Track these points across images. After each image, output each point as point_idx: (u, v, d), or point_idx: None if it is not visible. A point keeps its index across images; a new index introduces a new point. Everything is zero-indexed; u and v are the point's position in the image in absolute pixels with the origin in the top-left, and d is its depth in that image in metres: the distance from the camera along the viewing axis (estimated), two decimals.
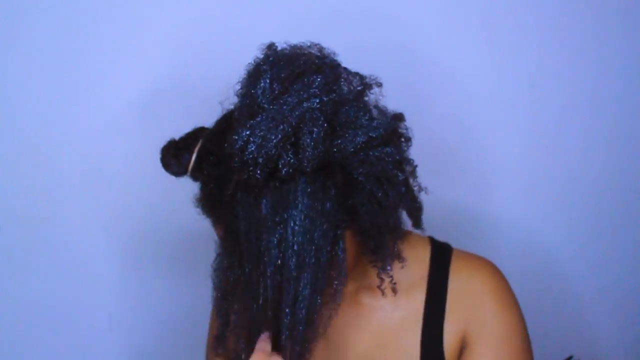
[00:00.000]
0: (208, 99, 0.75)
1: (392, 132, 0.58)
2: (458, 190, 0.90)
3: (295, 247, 0.53)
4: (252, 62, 0.56)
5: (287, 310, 0.54)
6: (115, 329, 0.93)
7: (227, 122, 0.58)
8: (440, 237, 0.67)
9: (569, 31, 0.88)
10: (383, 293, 0.63)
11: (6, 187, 0.84)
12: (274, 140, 0.52)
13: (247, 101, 0.55)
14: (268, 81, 0.54)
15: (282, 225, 0.53)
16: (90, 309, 0.91)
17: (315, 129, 0.53)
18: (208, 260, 0.85)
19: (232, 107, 0.59)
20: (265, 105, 0.53)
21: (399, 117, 0.59)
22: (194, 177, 0.60)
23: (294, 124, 0.53)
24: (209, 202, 0.60)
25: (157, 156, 0.85)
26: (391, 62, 0.84)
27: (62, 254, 0.88)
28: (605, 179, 0.94)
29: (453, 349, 0.64)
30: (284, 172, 0.52)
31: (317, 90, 0.54)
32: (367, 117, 0.56)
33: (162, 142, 0.85)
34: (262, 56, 0.57)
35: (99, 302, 0.91)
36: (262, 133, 0.52)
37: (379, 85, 0.58)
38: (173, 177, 0.87)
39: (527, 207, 0.95)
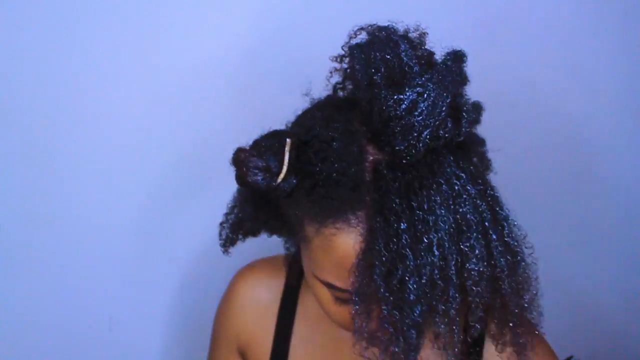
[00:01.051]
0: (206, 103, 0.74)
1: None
2: None
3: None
4: (371, 38, 0.51)
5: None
6: (115, 329, 0.92)
7: (332, 108, 0.51)
8: None
9: (570, 31, 0.88)
10: None
11: (6, 187, 0.84)
12: (444, 103, 0.47)
13: (385, 65, 0.48)
14: (407, 44, 0.49)
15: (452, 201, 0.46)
16: (90, 309, 0.91)
17: (469, 101, 0.50)
18: (208, 261, 0.86)
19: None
20: (414, 64, 0.48)
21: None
22: (285, 185, 0.49)
23: (455, 87, 0.48)
24: (321, 198, 0.48)
25: (157, 156, 0.87)
26: None
27: (62, 254, 0.88)
28: (606, 178, 0.94)
29: None
30: (441, 142, 0.47)
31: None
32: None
33: (161, 142, 0.87)
34: (374, 34, 0.51)
35: (99, 302, 0.91)
36: (433, 93, 0.46)
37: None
38: (173, 178, 0.88)
39: (527, 207, 0.95)
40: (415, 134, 0.46)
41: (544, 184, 0.94)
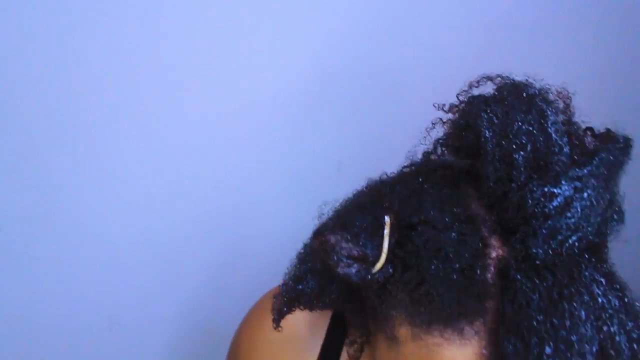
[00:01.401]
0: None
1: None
2: None
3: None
4: (493, 94, 0.42)
5: None
6: (115, 329, 0.92)
7: (442, 177, 0.42)
8: None
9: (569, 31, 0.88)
10: None
11: (6, 187, 0.84)
12: (605, 201, 0.39)
13: (530, 143, 0.38)
14: (556, 120, 0.40)
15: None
16: (90, 309, 0.91)
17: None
18: (208, 261, 0.86)
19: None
20: (563, 145, 0.39)
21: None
22: (383, 270, 0.39)
23: (616, 187, 0.40)
24: (430, 293, 0.38)
25: (159, 156, 0.87)
26: (402, 61, 0.84)
27: (62, 254, 0.88)
28: None
29: None
30: (584, 243, 0.39)
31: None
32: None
33: (162, 142, 0.87)
34: (499, 89, 0.42)
35: (99, 302, 0.91)
36: (593, 192, 0.38)
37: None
38: (173, 178, 0.88)
39: None
40: (561, 238, 0.38)
41: None
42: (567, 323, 0.36)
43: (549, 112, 0.40)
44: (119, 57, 0.83)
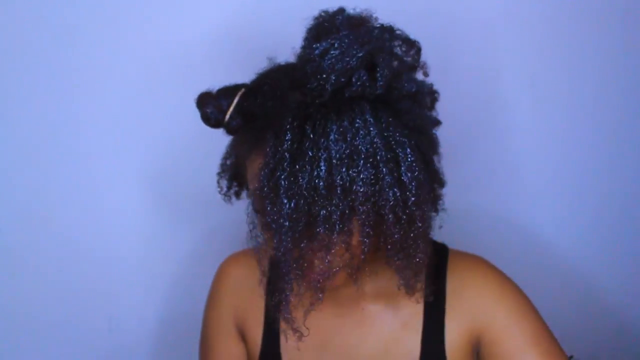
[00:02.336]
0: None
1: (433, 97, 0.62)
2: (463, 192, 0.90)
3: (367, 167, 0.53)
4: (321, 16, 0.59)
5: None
6: (115, 330, 0.92)
7: (277, 69, 0.59)
8: (444, 238, 0.68)
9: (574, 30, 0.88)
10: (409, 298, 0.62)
11: (6, 187, 0.84)
12: (356, 55, 0.54)
13: (320, 22, 0.58)
14: (345, 15, 0.58)
15: (348, 148, 0.53)
16: (90, 309, 0.91)
17: (390, 58, 0.56)
18: (208, 262, 0.86)
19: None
20: (343, 29, 0.56)
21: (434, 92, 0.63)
22: (232, 120, 0.57)
23: (373, 48, 0.55)
24: (252, 136, 0.57)
25: (157, 156, 0.87)
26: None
27: (62, 254, 0.88)
28: (606, 178, 0.94)
29: (457, 347, 0.64)
30: (354, 88, 0.54)
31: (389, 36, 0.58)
32: (417, 78, 0.59)
33: (161, 142, 0.87)
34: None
35: (99, 302, 0.91)
36: (345, 45, 0.54)
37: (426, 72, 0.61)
38: (173, 178, 0.88)
39: (530, 206, 0.95)
40: (324, 75, 0.54)
41: (545, 183, 0.94)
42: (319, 130, 0.53)
43: (339, 15, 0.58)
44: (118, 57, 0.83)
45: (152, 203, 0.89)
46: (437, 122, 0.63)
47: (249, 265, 0.73)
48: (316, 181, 0.52)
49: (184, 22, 0.83)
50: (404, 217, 0.55)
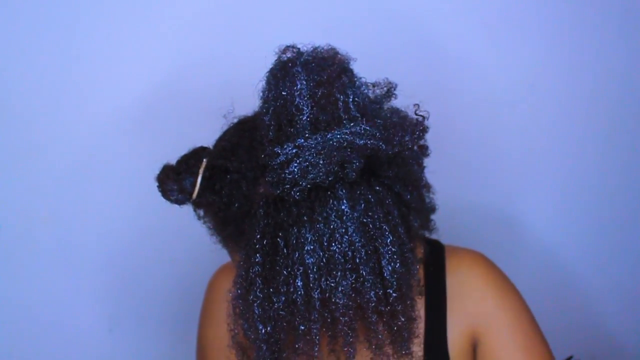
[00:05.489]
0: (208, 106, 0.75)
1: (417, 136, 0.56)
2: (467, 191, 0.90)
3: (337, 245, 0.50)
4: (276, 64, 0.52)
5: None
6: (115, 330, 0.92)
7: (241, 133, 0.55)
8: (447, 236, 0.68)
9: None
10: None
11: (6, 187, 0.84)
12: (322, 168, 0.49)
13: (280, 103, 0.50)
14: (304, 82, 0.49)
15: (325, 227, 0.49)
16: (90, 309, 0.91)
17: (358, 154, 0.50)
18: (208, 261, 0.85)
19: (235, 120, 0.57)
20: (305, 108, 0.49)
21: (422, 128, 0.57)
22: (199, 201, 0.54)
23: (343, 148, 0.49)
24: (226, 221, 0.54)
25: (157, 155, 0.86)
26: (403, 61, 0.84)
27: (62, 254, 0.88)
28: (606, 178, 0.94)
29: (459, 347, 0.63)
30: (325, 185, 0.50)
31: (358, 101, 0.51)
32: (400, 133, 0.54)
33: (162, 142, 0.86)
34: (285, 58, 0.52)
35: (99, 302, 0.91)
36: (310, 158, 0.48)
37: (394, 94, 0.56)
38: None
39: (529, 207, 0.95)
40: (288, 186, 0.49)
41: (544, 183, 0.94)
42: (293, 242, 0.49)
43: (297, 80, 0.49)
44: (118, 57, 0.83)
45: (153, 203, 0.89)
46: (426, 152, 0.59)
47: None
48: (293, 297, 0.49)
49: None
50: (386, 313, 0.52)
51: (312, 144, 0.49)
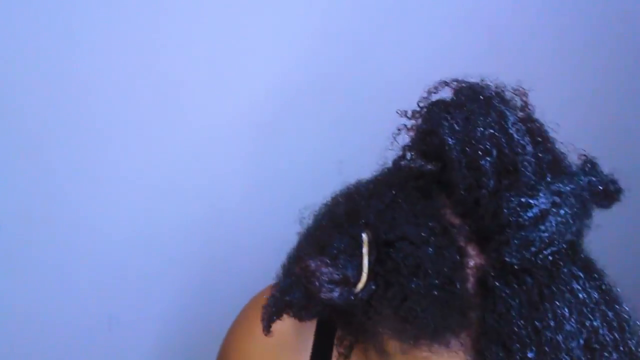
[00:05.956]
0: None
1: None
2: None
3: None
4: (460, 97, 0.42)
5: None
6: (115, 329, 0.92)
7: (396, 188, 0.42)
8: None
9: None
10: None
11: (6, 187, 0.84)
12: (574, 227, 0.39)
13: (492, 142, 0.39)
14: (514, 116, 0.40)
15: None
16: (90, 308, 0.91)
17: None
18: (208, 261, 0.86)
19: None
20: (527, 146, 0.39)
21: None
22: (363, 295, 0.39)
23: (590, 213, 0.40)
24: (420, 308, 0.38)
25: (157, 156, 0.87)
26: (402, 61, 0.84)
27: (62, 253, 0.88)
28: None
29: None
30: (557, 255, 0.39)
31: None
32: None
33: (162, 141, 0.87)
34: (456, 89, 0.43)
35: (99, 302, 0.91)
36: (569, 211, 0.38)
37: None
38: (173, 177, 0.88)
39: None
40: (534, 250, 0.37)
41: None
42: (552, 323, 0.37)
43: (508, 113, 0.40)
44: (117, 57, 0.83)
45: (153, 203, 0.89)
46: None
47: (291, 321, 0.50)
48: None
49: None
50: None
51: (568, 189, 0.38)
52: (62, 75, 0.82)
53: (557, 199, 0.38)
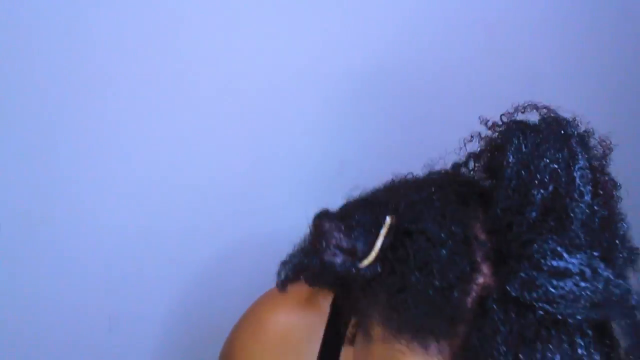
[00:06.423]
0: None
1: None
2: None
3: None
4: (533, 123, 0.42)
5: None
6: (115, 330, 0.92)
7: (456, 192, 0.41)
8: None
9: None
10: None
11: (6, 187, 0.84)
12: (583, 313, 0.37)
13: (552, 177, 0.38)
14: (587, 162, 0.39)
15: None
16: (90, 309, 0.91)
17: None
18: (208, 261, 0.86)
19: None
20: (586, 195, 0.38)
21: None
22: (366, 272, 0.39)
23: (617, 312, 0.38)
24: (413, 301, 0.38)
25: (157, 155, 0.87)
26: (403, 62, 0.84)
27: (62, 254, 0.88)
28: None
29: None
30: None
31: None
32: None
33: (162, 141, 0.86)
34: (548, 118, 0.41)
35: (98, 302, 0.91)
36: (589, 294, 0.36)
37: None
38: (173, 177, 0.88)
39: None
40: (536, 296, 0.36)
41: None
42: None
43: (580, 156, 0.39)
44: (117, 57, 0.83)
45: (153, 203, 0.89)
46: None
47: (300, 317, 0.54)
48: None
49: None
50: None
51: (607, 276, 0.36)
52: (62, 75, 0.82)
53: (588, 273, 0.36)
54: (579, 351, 0.36)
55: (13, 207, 0.85)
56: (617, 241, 0.39)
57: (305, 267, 0.47)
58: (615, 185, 0.44)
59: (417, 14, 0.85)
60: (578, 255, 0.36)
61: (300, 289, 0.53)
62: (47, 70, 0.82)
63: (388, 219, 0.39)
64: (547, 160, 0.38)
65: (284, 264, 0.49)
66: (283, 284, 0.49)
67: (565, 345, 0.36)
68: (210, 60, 0.84)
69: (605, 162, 0.43)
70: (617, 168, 0.95)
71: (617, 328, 0.40)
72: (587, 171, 0.39)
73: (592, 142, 0.42)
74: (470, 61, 0.87)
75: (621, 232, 0.40)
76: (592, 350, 0.37)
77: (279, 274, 0.49)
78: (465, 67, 0.87)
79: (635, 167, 0.94)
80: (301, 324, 0.53)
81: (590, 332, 0.37)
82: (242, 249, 0.76)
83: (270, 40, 0.86)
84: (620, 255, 0.39)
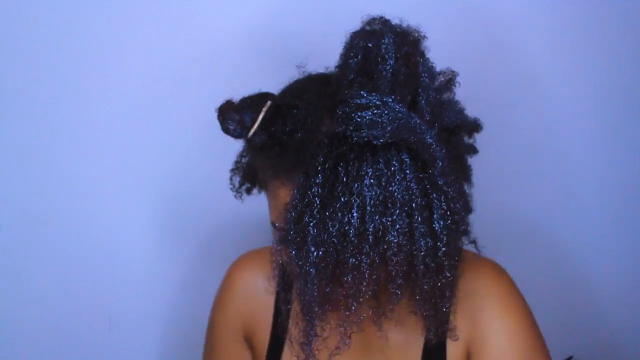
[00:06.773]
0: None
1: (473, 127, 0.61)
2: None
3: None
4: (362, 29, 0.56)
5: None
6: (115, 330, 0.92)
7: (310, 81, 0.57)
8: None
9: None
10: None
11: (6, 187, 0.84)
12: (385, 134, 0.50)
13: (365, 52, 0.53)
14: (391, 38, 0.53)
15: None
16: (90, 309, 0.91)
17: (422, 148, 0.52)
18: (208, 261, 0.86)
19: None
20: (389, 60, 0.52)
21: (476, 125, 0.61)
22: (254, 140, 0.54)
23: (412, 134, 0.51)
24: (285, 149, 0.53)
25: (157, 156, 0.87)
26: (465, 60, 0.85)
27: (62, 254, 0.88)
28: (605, 178, 0.94)
29: (457, 356, 0.63)
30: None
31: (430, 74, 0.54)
32: (459, 105, 0.58)
33: (162, 142, 0.87)
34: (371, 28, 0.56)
35: (99, 302, 0.91)
36: (385, 119, 0.50)
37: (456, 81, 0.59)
38: (173, 178, 0.88)
39: (528, 206, 0.95)
40: (351, 128, 0.51)
41: (543, 183, 0.94)
42: (353, 173, 0.50)
43: (387, 37, 0.53)
44: (117, 57, 0.83)
45: (153, 202, 0.89)
46: (474, 151, 0.61)
47: (259, 269, 0.72)
48: (347, 228, 0.50)
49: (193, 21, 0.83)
50: (433, 266, 0.53)
51: (395, 108, 0.51)
52: (62, 76, 0.82)
53: (380, 105, 0.51)
54: (392, 168, 0.50)
55: (13, 207, 0.85)
56: (419, 90, 0.54)
57: (242, 166, 0.64)
58: (423, 55, 0.57)
59: (417, 13, 0.85)
60: (374, 94, 0.51)
61: (261, 257, 0.72)
62: (47, 71, 0.82)
63: (269, 102, 0.53)
64: (361, 41, 0.54)
65: (232, 170, 0.66)
66: (237, 191, 0.66)
67: (381, 164, 0.50)
68: (211, 60, 0.84)
69: (415, 41, 0.56)
70: (617, 168, 0.96)
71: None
72: (391, 46, 0.53)
73: (415, 35, 0.57)
74: (471, 61, 0.87)
75: (424, 84, 0.54)
76: (405, 168, 0.51)
77: (231, 181, 0.66)
78: (466, 67, 0.87)
79: (635, 167, 0.94)
80: (259, 280, 0.71)
81: (405, 156, 0.51)
82: (243, 249, 0.76)
83: (272, 38, 0.86)
84: (422, 100, 0.54)
